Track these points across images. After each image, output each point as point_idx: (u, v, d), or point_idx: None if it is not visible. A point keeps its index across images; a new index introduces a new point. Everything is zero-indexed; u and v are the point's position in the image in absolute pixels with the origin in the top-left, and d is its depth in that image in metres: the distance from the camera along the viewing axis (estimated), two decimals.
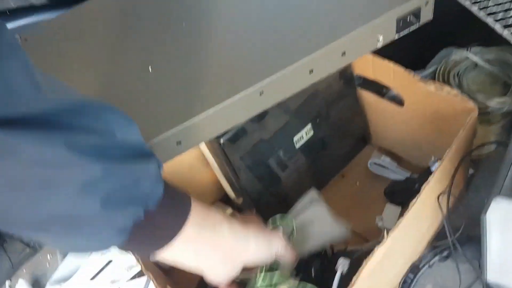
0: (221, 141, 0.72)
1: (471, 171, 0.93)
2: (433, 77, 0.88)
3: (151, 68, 0.68)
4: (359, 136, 0.96)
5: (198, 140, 0.67)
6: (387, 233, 0.63)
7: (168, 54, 0.70)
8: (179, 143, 0.64)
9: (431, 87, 0.74)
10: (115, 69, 0.71)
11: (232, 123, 0.67)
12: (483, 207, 0.88)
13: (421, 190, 0.65)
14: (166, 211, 0.52)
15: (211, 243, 0.57)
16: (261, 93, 0.64)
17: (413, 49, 0.89)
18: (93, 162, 0.42)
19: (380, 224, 0.86)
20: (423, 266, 0.83)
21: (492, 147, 0.93)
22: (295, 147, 0.83)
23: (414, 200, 0.65)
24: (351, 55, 0.66)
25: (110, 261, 0.93)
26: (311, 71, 0.65)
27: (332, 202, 0.88)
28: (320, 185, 0.95)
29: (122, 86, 0.69)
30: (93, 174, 0.42)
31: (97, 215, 0.44)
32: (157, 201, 0.50)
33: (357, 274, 0.61)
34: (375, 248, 0.62)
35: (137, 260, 0.71)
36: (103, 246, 0.49)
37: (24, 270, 1.05)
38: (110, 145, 0.45)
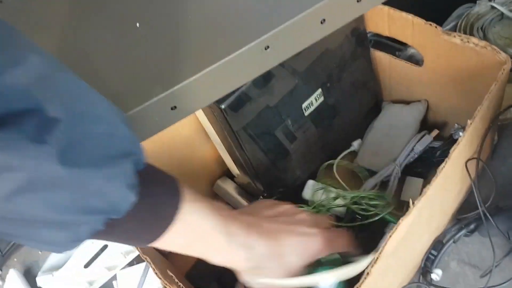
0: (223, 106, 0.64)
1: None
2: (454, 31, 0.79)
3: (138, 23, 0.60)
4: (372, 103, 0.88)
5: (195, 105, 0.58)
6: (413, 203, 0.56)
7: (158, 6, 0.62)
8: (174, 108, 0.56)
9: (457, 39, 0.66)
10: (98, 25, 0.63)
11: (234, 84, 0.59)
12: (510, 177, 0.82)
13: (450, 153, 0.57)
14: (140, 219, 0.43)
15: (203, 253, 0.51)
16: (266, 48, 0.55)
17: (429, 4, 0.81)
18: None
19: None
20: (448, 241, 0.76)
21: None
22: (304, 115, 0.75)
23: (442, 165, 0.57)
24: (368, 1, 0.58)
25: (105, 246, 0.86)
26: (323, 21, 0.56)
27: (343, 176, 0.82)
28: (330, 158, 0.87)
29: (105, 44, 0.60)
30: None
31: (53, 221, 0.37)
32: (124, 212, 0.41)
33: (380, 249, 0.53)
34: (400, 220, 0.54)
35: (137, 247, 0.63)
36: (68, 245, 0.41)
37: (15, 259, 0.99)
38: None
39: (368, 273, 0.51)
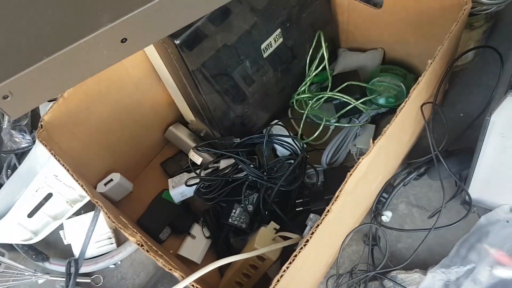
0: (177, 42, 0.60)
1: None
2: None
3: None
4: (330, 48, 0.86)
5: (148, 38, 0.54)
6: (373, 142, 0.56)
7: None
8: (124, 40, 0.51)
9: None
10: None
11: (189, 17, 0.55)
12: (460, 121, 0.84)
13: (409, 93, 0.57)
14: None
15: None
16: None
17: None
18: None
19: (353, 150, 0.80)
20: (398, 184, 0.78)
21: (469, 57, 0.87)
22: (262, 56, 0.72)
23: (402, 105, 0.57)
24: None
25: (49, 195, 0.81)
26: None
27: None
28: (286, 105, 0.86)
29: None
30: None
31: None
32: None
33: (340, 187, 0.53)
34: (360, 159, 0.54)
35: (85, 190, 0.59)
36: None
37: None
38: None
39: (328, 210, 0.51)
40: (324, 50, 0.77)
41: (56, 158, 0.62)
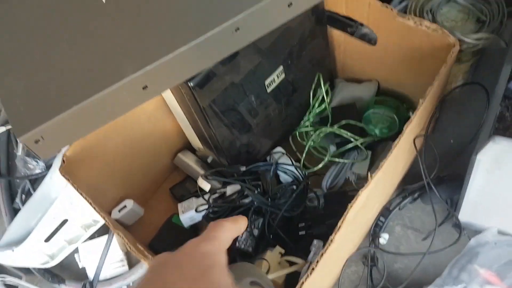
0: (191, 84, 0.65)
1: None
2: (404, 13, 0.84)
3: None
4: (327, 79, 0.92)
5: (167, 84, 0.60)
6: (371, 175, 0.61)
7: None
8: (145, 87, 0.57)
9: (410, 22, 0.70)
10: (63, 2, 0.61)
11: (204, 64, 0.61)
12: (450, 148, 0.90)
13: (403, 130, 0.63)
14: None
15: None
16: (236, 30, 0.57)
17: None
18: None
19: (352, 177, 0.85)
20: (394, 208, 0.83)
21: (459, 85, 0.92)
22: (266, 91, 0.78)
23: (396, 141, 0.63)
24: None
25: (65, 221, 0.85)
26: (290, 4, 0.59)
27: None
28: (289, 132, 0.91)
29: (74, 22, 0.60)
30: None
31: None
32: None
33: (342, 218, 0.58)
34: (359, 191, 0.60)
35: (104, 218, 0.64)
36: None
37: None
38: None
39: (332, 240, 0.56)
40: (323, 92, 0.83)
41: (78, 191, 0.66)
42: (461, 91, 0.93)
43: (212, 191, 0.83)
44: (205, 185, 0.85)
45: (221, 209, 0.80)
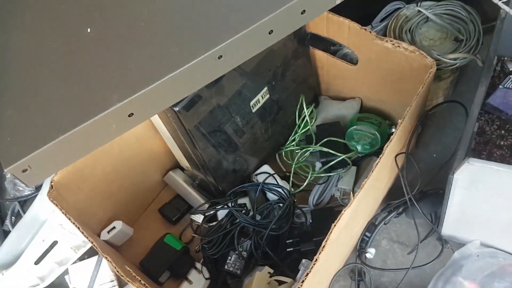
0: (177, 109, 0.67)
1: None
2: (384, 33, 0.86)
3: (90, 28, 0.60)
4: (311, 97, 0.94)
5: (152, 111, 0.61)
6: (353, 195, 0.63)
7: (111, 12, 0.63)
8: (131, 115, 0.58)
9: (388, 44, 0.72)
10: (46, 29, 0.62)
11: (189, 91, 0.62)
12: (433, 162, 0.92)
13: (383, 150, 0.65)
14: None
15: None
16: (219, 57, 0.59)
17: (358, 4, 0.87)
18: None
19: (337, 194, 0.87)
20: (379, 223, 0.85)
21: (439, 102, 0.95)
22: (252, 111, 0.79)
23: (377, 161, 0.64)
24: (311, 13, 0.63)
25: (55, 243, 0.86)
26: (270, 32, 0.61)
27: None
28: (275, 150, 0.93)
29: (60, 52, 0.61)
30: None
31: None
32: None
33: (326, 237, 0.60)
34: (343, 211, 0.61)
35: (92, 243, 0.65)
36: None
37: None
38: None
39: (316, 260, 0.58)
40: (307, 115, 0.85)
41: (67, 216, 0.67)
42: (442, 107, 0.96)
43: (203, 222, 0.86)
44: (198, 218, 0.87)
45: (214, 239, 0.82)
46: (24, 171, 0.55)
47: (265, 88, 0.79)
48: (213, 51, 0.57)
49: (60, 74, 0.60)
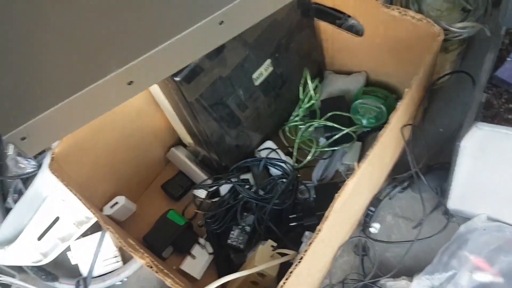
0: (177, 79, 0.65)
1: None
2: (390, 3, 0.84)
3: None
4: (316, 71, 0.92)
5: (152, 79, 0.60)
6: (358, 165, 0.62)
7: None
8: (130, 83, 0.57)
9: (395, 12, 0.71)
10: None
11: (190, 58, 0.61)
12: (440, 136, 0.91)
13: (389, 119, 0.63)
14: None
15: None
16: (221, 23, 0.57)
17: None
18: None
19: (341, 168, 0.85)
20: (384, 198, 0.84)
21: (446, 76, 0.93)
22: (254, 84, 0.78)
23: (382, 131, 0.63)
24: None
25: (57, 218, 0.85)
26: None
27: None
28: (279, 126, 0.92)
29: (58, 18, 0.60)
30: None
31: None
32: None
33: (329, 208, 0.59)
34: (346, 181, 0.60)
35: (94, 214, 0.65)
36: None
37: None
38: None
39: (320, 229, 0.57)
40: (311, 89, 0.83)
41: (68, 188, 0.67)
42: (449, 81, 0.94)
43: (206, 197, 0.85)
44: (201, 193, 0.86)
45: (217, 213, 0.81)
46: (23, 138, 0.54)
47: (269, 60, 0.78)
48: (213, 16, 0.56)
49: (57, 40, 0.58)
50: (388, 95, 0.84)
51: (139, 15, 0.58)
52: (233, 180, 0.83)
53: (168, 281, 0.59)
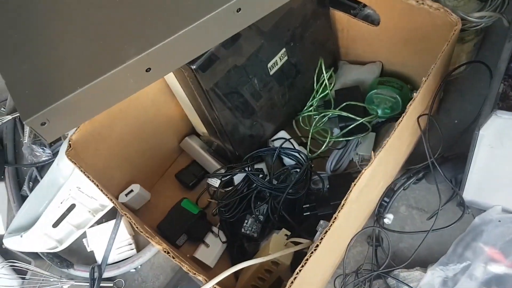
0: (194, 67, 0.65)
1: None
2: None
3: None
4: (330, 61, 0.92)
5: (169, 66, 0.60)
6: (374, 154, 0.61)
7: None
8: (148, 70, 0.57)
9: (412, 1, 0.70)
10: None
11: (207, 46, 0.61)
12: (455, 127, 0.90)
13: (406, 109, 0.63)
14: None
15: None
16: (238, 10, 0.57)
17: None
18: None
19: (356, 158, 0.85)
20: (398, 189, 0.84)
21: (462, 67, 0.92)
22: (269, 74, 0.78)
23: (400, 120, 0.63)
24: None
25: (73, 206, 0.87)
26: None
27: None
28: (292, 116, 0.92)
29: (77, 6, 0.60)
30: None
31: None
32: None
33: (345, 196, 0.59)
34: (363, 170, 0.60)
35: (110, 200, 0.65)
36: None
37: None
38: None
39: (336, 218, 0.57)
40: (326, 78, 0.83)
41: (85, 175, 0.67)
42: (464, 72, 0.93)
43: (220, 186, 0.86)
44: (214, 182, 0.86)
45: (231, 202, 0.82)
46: (42, 124, 0.55)
47: (283, 50, 0.78)
48: (231, 3, 0.56)
49: (76, 28, 0.59)
50: (403, 85, 0.84)
51: (158, 2, 0.58)
52: (247, 169, 0.83)
53: (184, 267, 0.59)
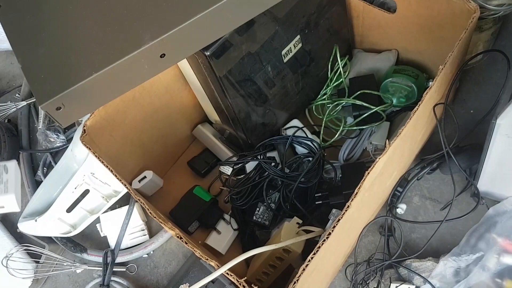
0: (208, 53, 0.65)
1: None
2: None
3: None
4: (345, 50, 0.91)
5: (183, 52, 0.60)
6: (389, 142, 0.61)
7: None
8: (163, 55, 0.57)
9: None
10: None
11: (221, 32, 0.61)
12: (470, 117, 0.89)
13: (423, 97, 0.62)
14: None
15: None
16: None
17: None
18: None
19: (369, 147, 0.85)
20: (412, 179, 0.83)
21: (478, 57, 0.91)
22: (283, 61, 0.77)
23: (416, 108, 0.62)
24: None
25: (87, 191, 0.87)
26: None
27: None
28: (305, 105, 0.91)
29: None
30: None
31: None
32: None
33: (359, 185, 0.58)
34: (377, 159, 0.60)
35: (124, 185, 0.66)
36: None
37: None
38: None
39: (349, 206, 0.57)
40: (341, 66, 0.82)
41: (100, 160, 0.68)
42: (481, 61, 0.92)
43: (232, 174, 0.86)
44: (227, 170, 0.86)
45: (243, 190, 0.82)
46: (58, 108, 0.55)
47: (298, 37, 0.77)
48: None
49: (92, 12, 0.59)
50: (419, 74, 0.83)
51: None
52: (259, 157, 0.83)
53: (197, 252, 0.60)
